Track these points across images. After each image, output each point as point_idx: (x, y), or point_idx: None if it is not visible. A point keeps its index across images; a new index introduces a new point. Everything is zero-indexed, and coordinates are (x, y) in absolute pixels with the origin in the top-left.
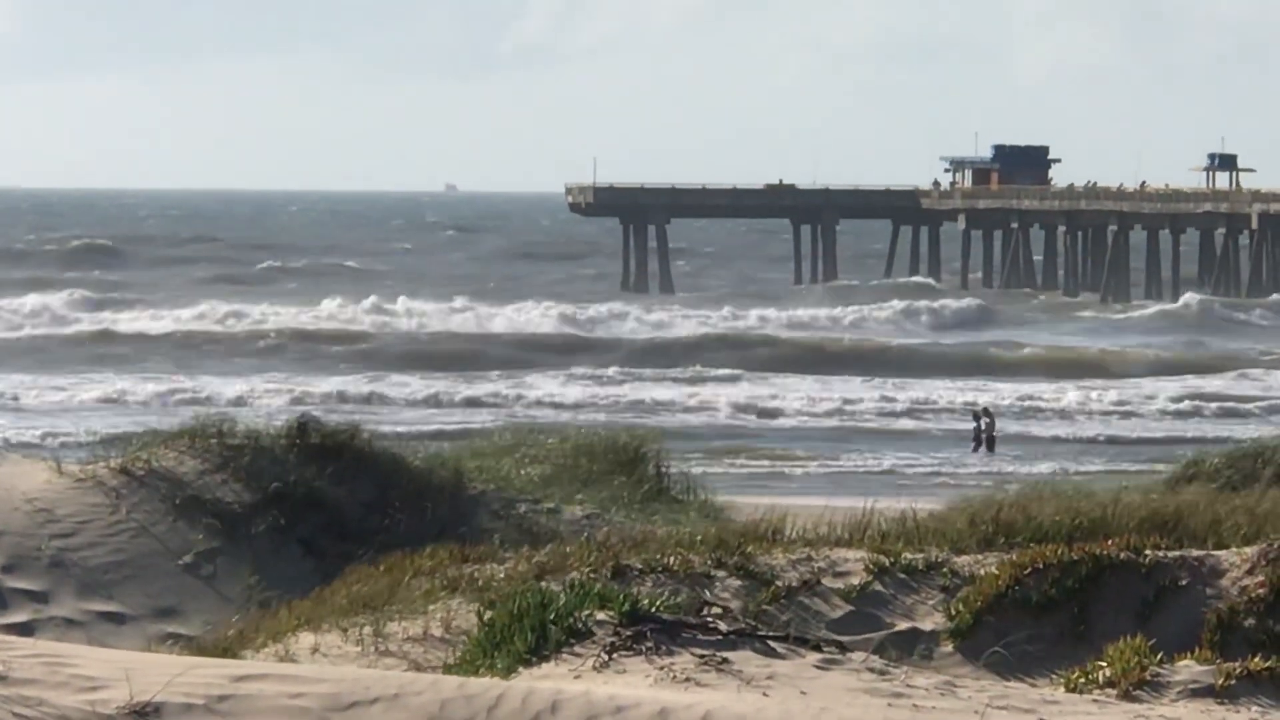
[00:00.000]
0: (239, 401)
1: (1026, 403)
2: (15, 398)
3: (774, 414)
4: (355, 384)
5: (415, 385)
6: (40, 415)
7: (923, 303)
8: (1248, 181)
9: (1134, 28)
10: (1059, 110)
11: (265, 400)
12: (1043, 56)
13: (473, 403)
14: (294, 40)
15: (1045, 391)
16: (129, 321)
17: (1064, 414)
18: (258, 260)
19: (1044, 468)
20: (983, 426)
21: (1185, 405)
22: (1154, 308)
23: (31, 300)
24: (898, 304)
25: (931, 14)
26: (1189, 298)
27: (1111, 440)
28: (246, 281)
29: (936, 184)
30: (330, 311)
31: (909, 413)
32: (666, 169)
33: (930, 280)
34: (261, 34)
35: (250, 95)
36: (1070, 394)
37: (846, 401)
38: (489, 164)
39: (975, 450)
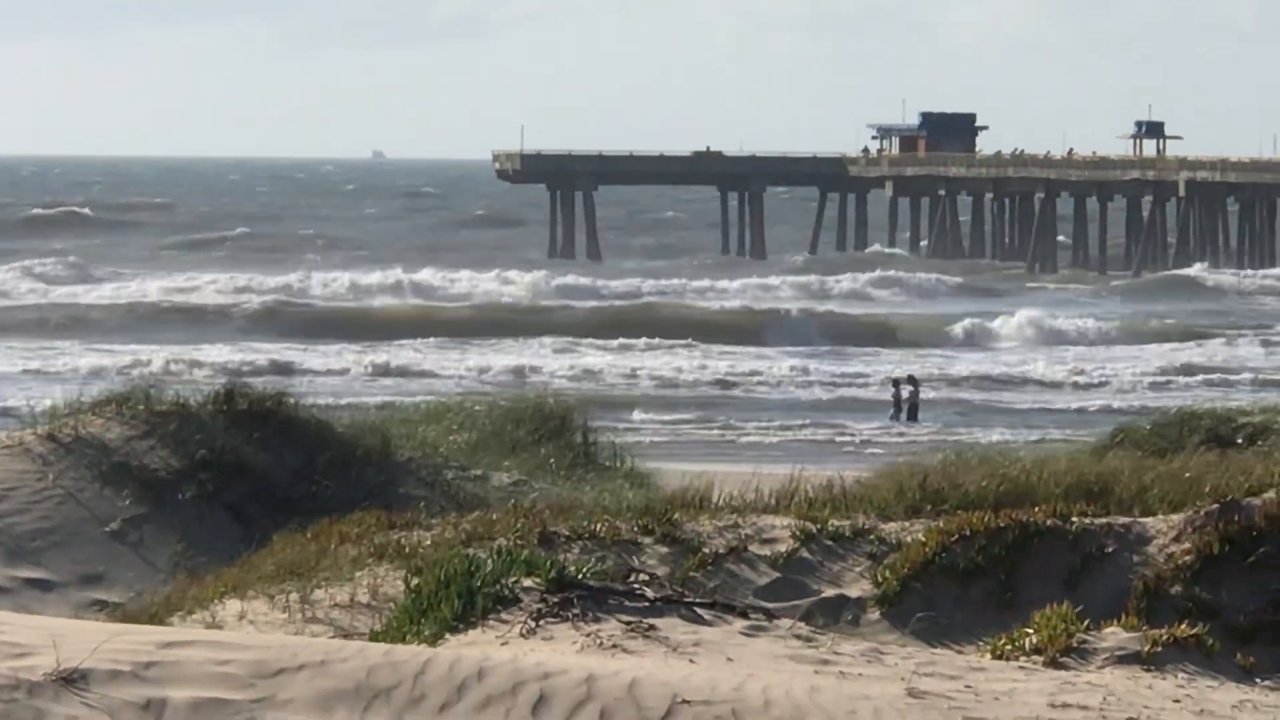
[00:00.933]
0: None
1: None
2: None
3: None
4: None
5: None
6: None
7: (892, 273)
8: (1174, 149)
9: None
10: (986, 78)
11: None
12: (971, 24)
13: None
14: (227, 8)
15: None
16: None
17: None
18: (227, 228)
19: (990, 435)
20: (904, 394)
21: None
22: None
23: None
24: (873, 275)
25: None
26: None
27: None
28: (225, 250)
29: (866, 151)
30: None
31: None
32: (596, 138)
33: (896, 250)
34: (196, 2)
35: (181, 63)
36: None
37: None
38: (416, 132)
39: (894, 418)
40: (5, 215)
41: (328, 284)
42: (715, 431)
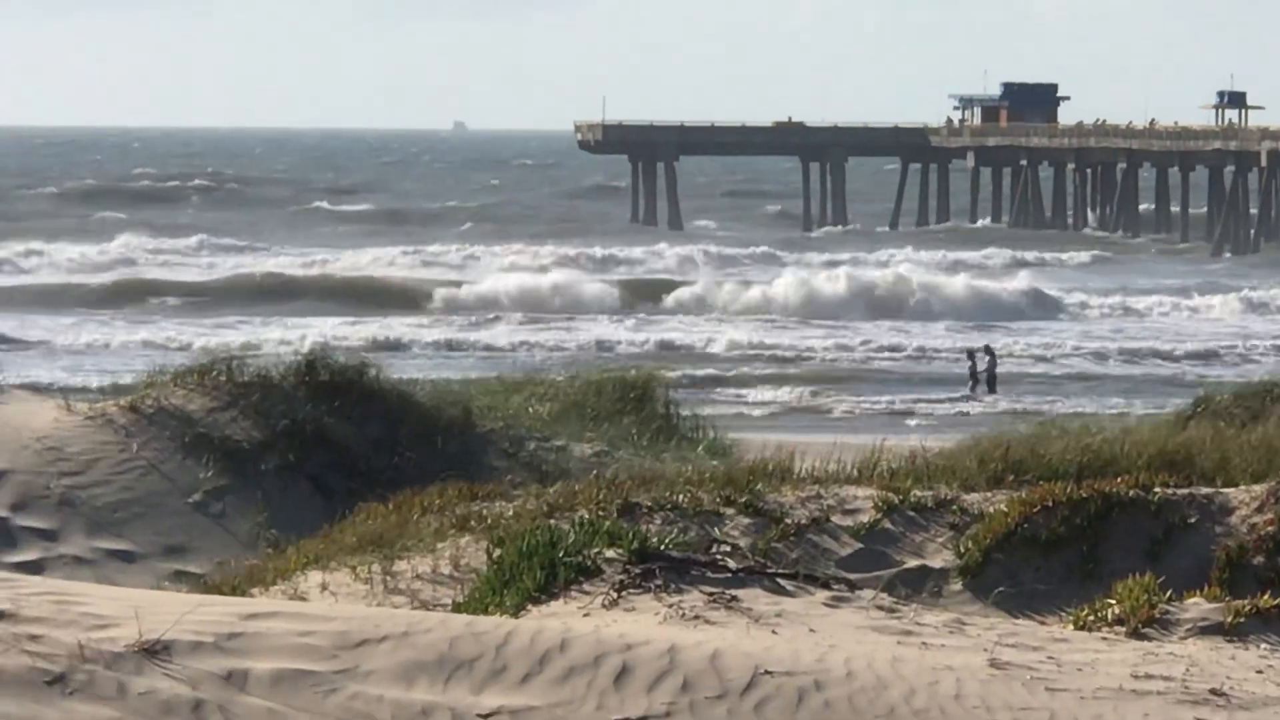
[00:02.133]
0: None
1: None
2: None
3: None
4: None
5: None
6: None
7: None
8: (1257, 119)
9: None
10: (1068, 48)
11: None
12: None
13: None
14: None
15: None
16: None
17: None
18: (356, 202)
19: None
20: (979, 365)
21: None
22: None
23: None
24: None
25: None
26: None
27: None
28: (384, 224)
29: (949, 121)
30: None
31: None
32: (678, 109)
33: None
34: None
35: (260, 33)
36: None
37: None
38: (495, 103)
39: (972, 389)
40: (128, 186)
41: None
42: (796, 401)
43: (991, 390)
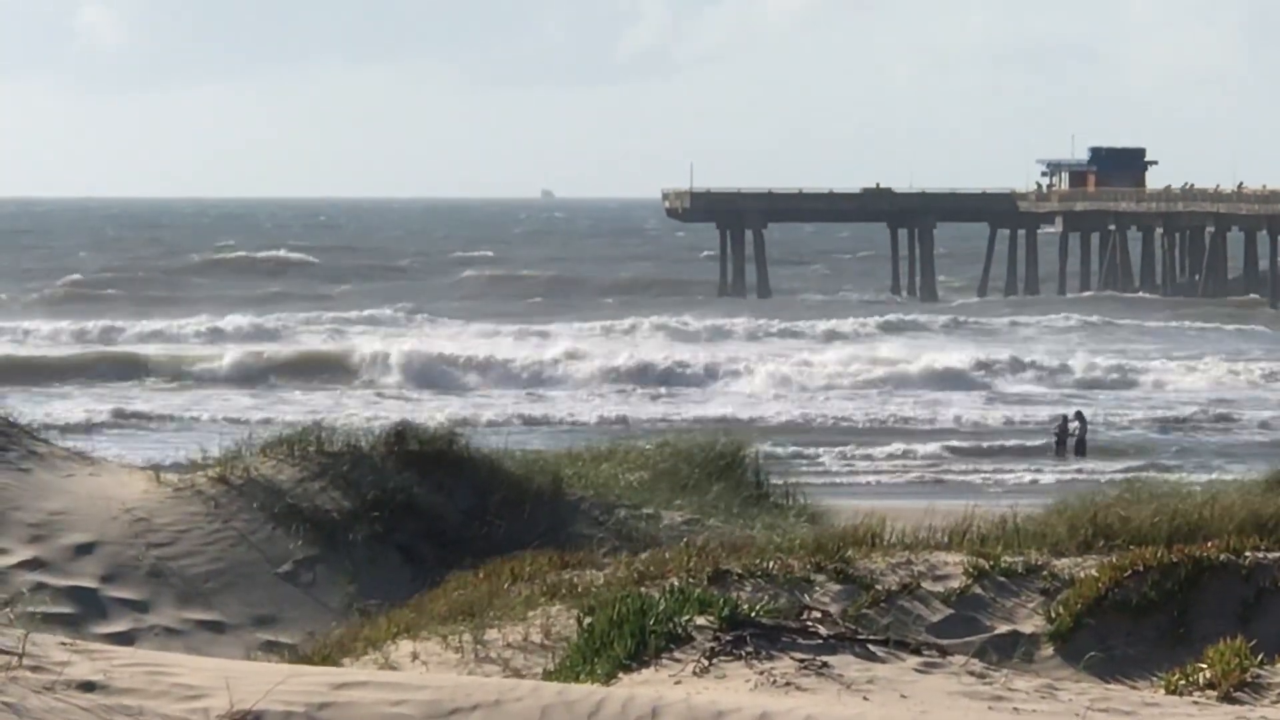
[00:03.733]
0: None
1: None
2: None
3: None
4: None
5: None
6: None
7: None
8: None
9: (1233, 32)
10: (1156, 113)
11: None
12: (1141, 60)
13: None
14: (402, 49)
15: None
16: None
17: None
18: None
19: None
20: (1070, 430)
21: None
22: None
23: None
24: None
25: (1035, 19)
26: None
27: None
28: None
29: (1039, 185)
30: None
31: None
32: (764, 176)
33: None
34: (375, 42)
35: (357, 104)
36: None
37: None
38: (581, 171)
39: (1059, 454)
40: (225, 262)
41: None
42: (886, 465)
43: (1081, 455)
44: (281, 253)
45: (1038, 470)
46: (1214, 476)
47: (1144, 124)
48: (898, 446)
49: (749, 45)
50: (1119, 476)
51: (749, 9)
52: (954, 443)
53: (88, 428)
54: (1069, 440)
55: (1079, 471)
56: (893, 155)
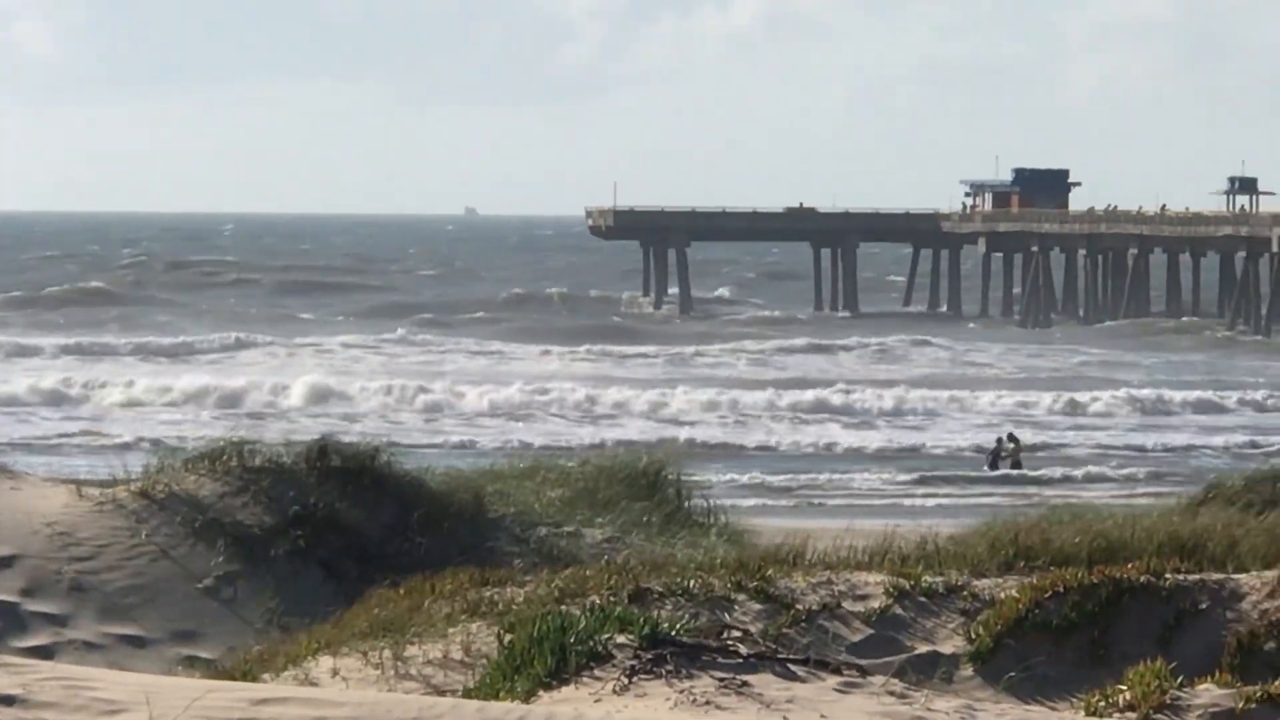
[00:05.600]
0: None
1: None
2: None
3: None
4: None
5: None
6: None
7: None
8: (1268, 205)
9: (1160, 55)
10: (1080, 135)
11: None
12: (1068, 82)
13: None
14: (335, 66)
15: None
16: None
17: None
18: (436, 289)
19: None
20: (1004, 451)
21: None
22: None
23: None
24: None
25: (965, 41)
26: None
27: None
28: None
29: (963, 206)
30: None
31: None
32: (693, 195)
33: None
34: (308, 59)
35: (288, 120)
36: None
37: None
38: (504, 188)
39: (992, 468)
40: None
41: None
42: (810, 485)
43: (1017, 469)
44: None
45: (965, 490)
46: (1133, 500)
47: (1069, 146)
48: (819, 467)
49: (682, 66)
50: (1049, 497)
51: (684, 30)
52: (873, 463)
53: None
54: (1002, 460)
55: (1006, 492)
56: (821, 176)
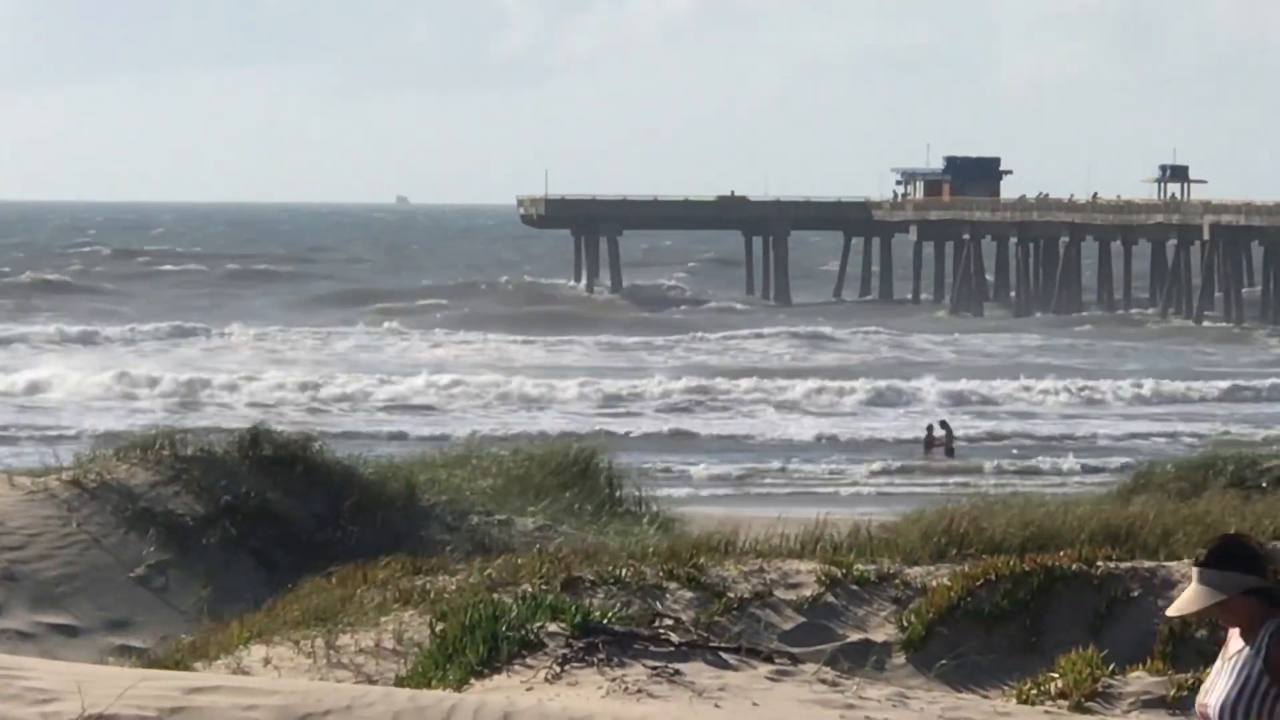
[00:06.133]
0: None
1: None
2: None
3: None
4: None
5: None
6: None
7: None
8: (1199, 193)
9: (1092, 43)
10: (1012, 122)
11: None
12: (1001, 70)
13: None
14: (269, 53)
15: None
16: None
17: None
18: (381, 281)
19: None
20: (936, 438)
21: None
22: None
23: None
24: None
25: (899, 28)
26: None
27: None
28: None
29: (895, 194)
30: None
31: None
32: (626, 184)
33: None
34: (241, 46)
35: (220, 108)
36: None
37: None
38: (437, 177)
39: (926, 454)
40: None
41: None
42: (743, 474)
43: (950, 458)
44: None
45: (897, 479)
46: (1068, 489)
47: (1000, 134)
48: (744, 450)
49: (617, 54)
50: (984, 486)
51: (619, 18)
52: (807, 451)
53: None
54: (933, 447)
55: (940, 480)
56: (754, 164)
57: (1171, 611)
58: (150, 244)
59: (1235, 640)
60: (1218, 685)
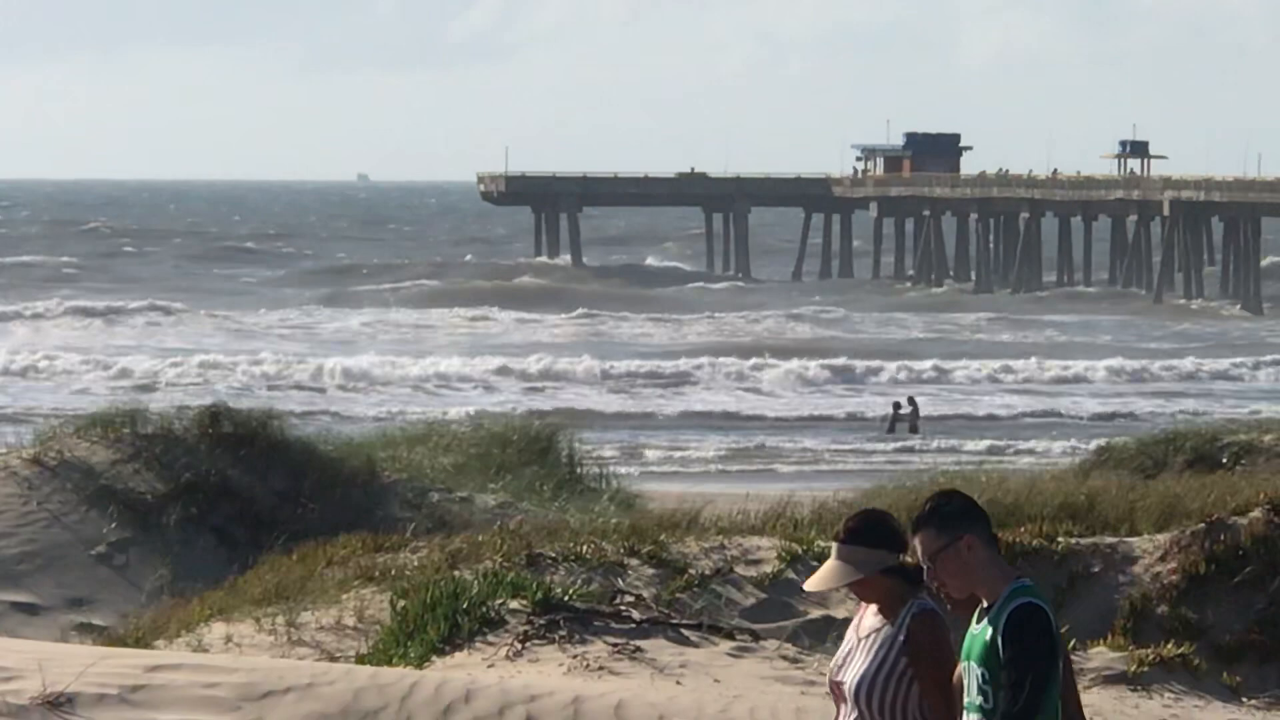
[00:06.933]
0: None
1: None
2: None
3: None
4: None
5: None
6: None
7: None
8: (1159, 169)
9: (1053, 18)
10: (972, 98)
11: None
12: (962, 46)
13: None
14: (231, 31)
15: None
16: None
17: None
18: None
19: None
20: (900, 414)
21: None
22: None
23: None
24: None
25: (864, 4)
26: None
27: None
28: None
29: (855, 170)
30: None
31: None
32: (586, 160)
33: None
34: (204, 24)
35: (181, 86)
36: None
37: None
38: (398, 154)
39: (890, 432)
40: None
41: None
42: (709, 449)
43: (915, 433)
44: None
45: (864, 454)
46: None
47: (960, 110)
48: (718, 426)
49: (581, 31)
50: (947, 462)
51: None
52: (770, 427)
53: None
54: (899, 423)
55: (908, 452)
56: (716, 140)
57: (808, 586)
58: (155, 223)
59: (871, 617)
60: (853, 663)
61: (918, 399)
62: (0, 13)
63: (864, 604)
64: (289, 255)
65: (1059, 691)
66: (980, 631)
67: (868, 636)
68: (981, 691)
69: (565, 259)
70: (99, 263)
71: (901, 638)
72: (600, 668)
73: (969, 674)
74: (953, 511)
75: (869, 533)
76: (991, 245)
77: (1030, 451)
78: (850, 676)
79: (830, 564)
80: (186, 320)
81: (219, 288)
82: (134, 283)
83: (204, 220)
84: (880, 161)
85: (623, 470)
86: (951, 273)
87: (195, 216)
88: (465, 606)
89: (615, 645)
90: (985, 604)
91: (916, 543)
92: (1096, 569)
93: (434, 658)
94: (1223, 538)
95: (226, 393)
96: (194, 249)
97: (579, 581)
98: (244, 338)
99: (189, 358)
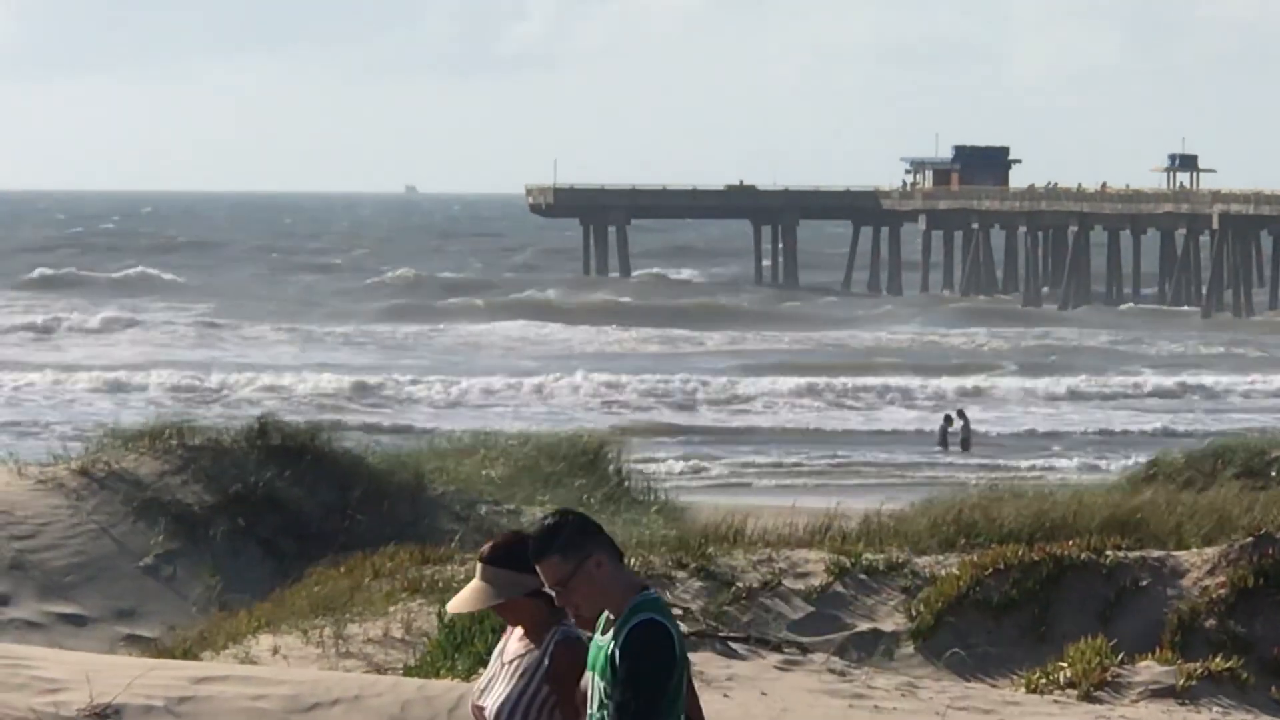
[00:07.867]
0: None
1: None
2: None
3: None
4: None
5: None
6: None
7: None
8: (1208, 182)
9: (1105, 32)
10: (1021, 112)
11: None
12: (1015, 60)
13: None
14: (285, 41)
15: None
16: None
17: None
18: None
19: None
20: (953, 427)
21: None
22: None
23: None
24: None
25: (919, 18)
26: None
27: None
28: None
29: (904, 183)
30: None
31: None
32: (635, 173)
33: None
34: (257, 34)
35: (235, 98)
36: None
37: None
38: (446, 166)
39: (942, 448)
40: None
41: None
42: (758, 462)
43: (965, 449)
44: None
45: (914, 468)
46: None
47: (1010, 123)
48: (767, 439)
49: (632, 42)
50: (998, 477)
51: (632, 7)
52: (820, 441)
53: None
54: (950, 437)
55: (954, 471)
56: (765, 153)
57: (450, 608)
58: (198, 233)
59: (515, 642)
60: (496, 687)
61: (967, 413)
62: (60, 25)
63: (514, 626)
64: (369, 269)
65: (682, 707)
66: (606, 644)
67: (511, 662)
68: (603, 706)
69: (644, 272)
70: (195, 276)
71: (545, 664)
72: None
73: (592, 685)
74: (573, 533)
75: (514, 556)
76: (1040, 259)
77: (1079, 466)
78: (492, 702)
79: (473, 585)
80: (302, 335)
81: (318, 301)
82: (221, 297)
83: (277, 231)
84: (929, 174)
85: (669, 483)
86: (1000, 286)
87: (269, 227)
88: None
89: None
90: (611, 615)
91: (541, 572)
92: (1144, 582)
93: (481, 670)
94: (1271, 551)
95: (361, 408)
96: (278, 261)
97: None
98: (388, 352)
99: (318, 374)
